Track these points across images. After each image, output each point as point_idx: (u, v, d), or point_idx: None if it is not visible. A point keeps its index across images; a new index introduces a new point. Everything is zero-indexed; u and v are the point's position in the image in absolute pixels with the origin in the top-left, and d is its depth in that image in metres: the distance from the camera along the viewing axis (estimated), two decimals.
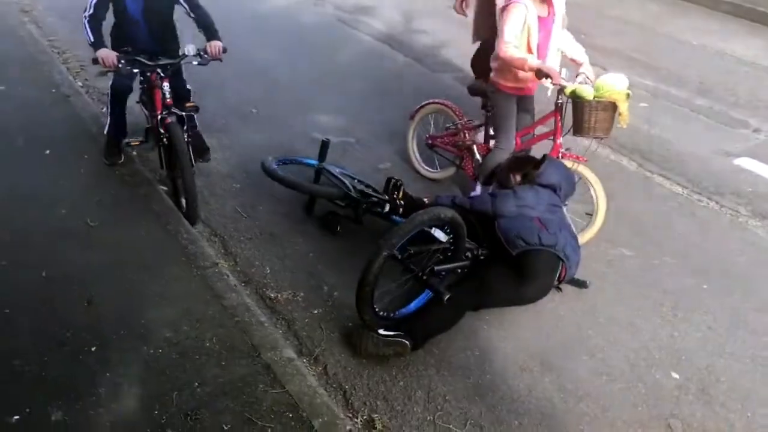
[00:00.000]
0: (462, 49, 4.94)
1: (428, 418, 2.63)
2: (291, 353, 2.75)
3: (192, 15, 3.64)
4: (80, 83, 5.23)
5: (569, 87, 3.28)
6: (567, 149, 3.60)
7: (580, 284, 3.29)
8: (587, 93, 3.21)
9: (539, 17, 3.36)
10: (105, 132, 4.02)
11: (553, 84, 3.32)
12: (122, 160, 4.02)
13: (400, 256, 2.95)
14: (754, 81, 5.88)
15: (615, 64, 6.12)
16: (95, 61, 3.36)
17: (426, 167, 4.35)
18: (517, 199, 3.27)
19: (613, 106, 3.24)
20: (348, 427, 2.44)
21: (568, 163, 3.49)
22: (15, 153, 4.04)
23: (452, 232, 3.00)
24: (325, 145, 3.73)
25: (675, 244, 3.69)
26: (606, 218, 3.65)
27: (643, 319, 3.15)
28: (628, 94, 3.25)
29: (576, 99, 3.27)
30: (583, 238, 3.53)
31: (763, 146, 4.79)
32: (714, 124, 5.09)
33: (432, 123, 4.33)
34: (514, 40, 3.31)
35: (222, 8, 6.87)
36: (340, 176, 3.62)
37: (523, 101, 3.71)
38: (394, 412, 2.64)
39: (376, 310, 2.87)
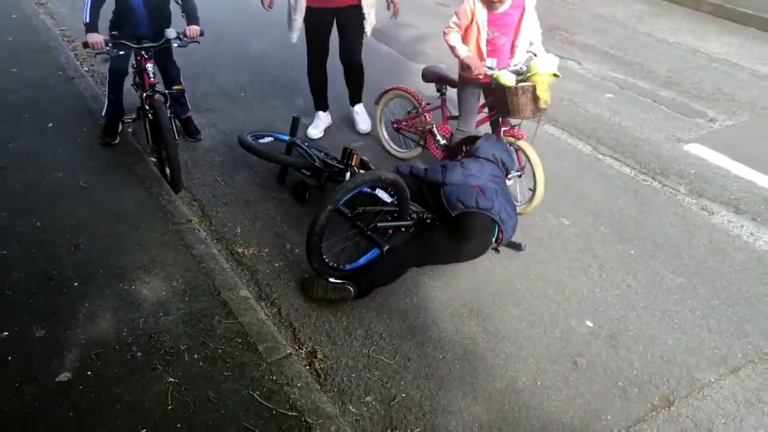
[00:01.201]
0: (440, 41, 5.28)
1: (364, 351, 3.00)
2: (247, 293, 3.14)
3: (179, 2, 4.04)
4: (86, 68, 5.68)
5: (495, 75, 3.58)
6: (512, 127, 3.91)
7: (517, 247, 3.65)
8: (507, 80, 3.50)
9: (491, 14, 3.57)
10: (103, 113, 4.43)
11: (473, 74, 3.62)
12: (117, 140, 4.40)
13: (349, 213, 3.34)
14: (721, 76, 6.17)
15: (590, 59, 6.47)
16: (85, 44, 3.78)
17: (395, 147, 4.72)
18: (464, 169, 3.65)
19: (532, 89, 3.50)
20: (288, 351, 2.82)
21: (511, 139, 3.84)
22: (22, 125, 4.49)
23: (396, 194, 3.38)
24: (296, 121, 4.12)
25: (613, 216, 4.03)
26: (552, 192, 4.01)
27: (570, 277, 3.50)
28: (555, 75, 3.54)
29: (501, 86, 3.58)
30: (528, 208, 3.88)
31: (715, 134, 5.09)
32: (673, 113, 5.40)
33: (398, 107, 4.70)
34: (456, 27, 3.65)
35: (224, 4, 7.37)
36: (308, 149, 4.00)
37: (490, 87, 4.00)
38: (334, 345, 3.02)
39: (326, 260, 3.25)
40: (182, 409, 2.49)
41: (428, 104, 4.39)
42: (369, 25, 4.38)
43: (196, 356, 2.74)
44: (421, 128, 4.39)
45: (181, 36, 3.93)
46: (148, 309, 2.97)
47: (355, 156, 3.69)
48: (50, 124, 4.52)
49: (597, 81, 5.97)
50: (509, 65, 3.68)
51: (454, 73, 4.03)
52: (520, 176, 3.89)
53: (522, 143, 3.80)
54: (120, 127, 4.40)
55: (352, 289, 3.19)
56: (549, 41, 6.74)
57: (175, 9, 4.12)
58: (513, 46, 3.69)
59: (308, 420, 2.50)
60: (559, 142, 4.91)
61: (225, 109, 5.18)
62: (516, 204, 3.77)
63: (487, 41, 3.62)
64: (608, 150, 4.79)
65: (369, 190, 3.33)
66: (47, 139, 4.34)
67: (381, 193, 3.40)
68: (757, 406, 2.79)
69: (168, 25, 4.10)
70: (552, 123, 5.14)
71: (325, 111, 4.84)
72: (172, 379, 2.62)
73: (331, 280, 3.22)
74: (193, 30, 3.95)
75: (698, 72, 6.24)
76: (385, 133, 4.73)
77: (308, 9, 4.22)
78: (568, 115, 5.27)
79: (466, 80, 3.80)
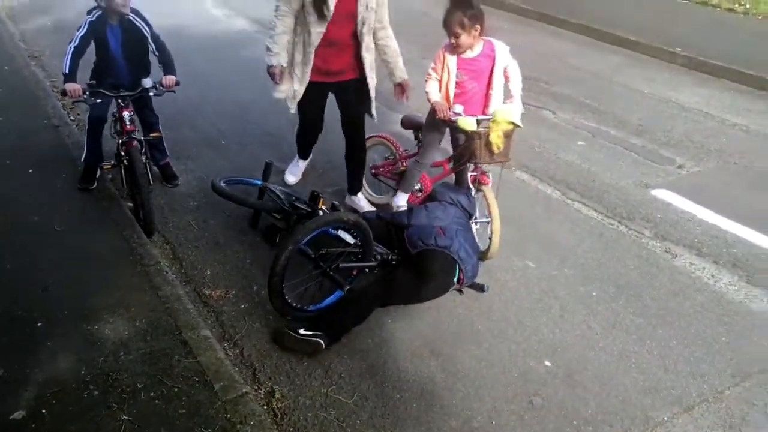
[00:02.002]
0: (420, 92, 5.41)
1: (322, 390, 3.03)
2: (208, 333, 3.19)
3: (156, 54, 4.23)
4: (72, 117, 5.84)
5: (457, 120, 3.71)
6: (483, 173, 4.01)
7: (480, 288, 3.70)
8: (466, 125, 3.66)
9: (461, 59, 3.75)
10: (82, 159, 4.55)
11: (438, 118, 3.76)
12: (95, 185, 4.52)
13: (313, 255, 3.42)
14: (691, 124, 6.35)
15: (565, 108, 6.66)
16: (63, 92, 3.93)
17: (372, 193, 4.83)
18: (428, 212, 3.77)
19: (486, 135, 3.63)
20: (244, 390, 2.85)
21: (477, 185, 3.95)
22: (2, 170, 4.61)
23: (359, 235, 3.46)
24: (268, 167, 4.24)
25: (577, 259, 4.10)
26: (520, 235, 4.11)
27: (531, 318, 3.55)
28: (514, 124, 3.68)
29: (461, 130, 3.73)
30: (485, 257, 3.93)
31: (682, 180, 5.22)
32: (642, 160, 5.55)
33: (377, 154, 4.82)
34: (434, 73, 3.83)
35: (215, 55, 7.63)
36: (279, 193, 4.11)
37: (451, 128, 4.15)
38: (293, 385, 3.06)
39: (289, 300, 3.31)
40: None
41: (405, 150, 4.52)
42: (372, 94, 4.15)
43: (152, 394, 2.78)
44: (397, 173, 4.51)
45: (157, 85, 4.09)
46: (109, 348, 3.02)
47: (321, 199, 3.79)
48: (30, 170, 4.64)
49: (570, 129, 6.15)
50: (486, 113, 3.83)
51: None
52: (487, 223, 3.95)
53: (486, 189, 3.90)
54: (98, 173, 4.52)
55: (323, 342, 3.19)
56: (526, 92, 6.95)
57: (154, 60, 4.30)
58: (487, 95, 3.85)
59: None
60: (529, 187, 5.03)
61: (205, 156, 5.31)
62: (479, 247, 3.85)
63: (457, 84, 3.79)
64: (577, 195, 4.91)
65: (332, 231, 3.42)
66: (26, 184, 4.45)
67: (344, 235, 3.49)
68: None
69: (146, 75, 4.27)
70: (524, 170, 5.27)
71: (305, 159, 4.91)
72: (126, 417, 2.65)
73: (302, 332, 3.22)
74: (169, 80, 4.11)
75: (669, 121, 6.43)
76: (363, 179, 4.85)
77: (309, 84, 4.01)
78: (539, 162, 5.41)
79: (434, 119, 3.95)
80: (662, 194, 4.96)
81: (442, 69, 3.83)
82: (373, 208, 4.57)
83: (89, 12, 4.06)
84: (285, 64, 3.95)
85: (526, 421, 2.90)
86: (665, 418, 2.93)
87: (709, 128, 6.28)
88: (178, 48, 5.26)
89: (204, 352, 3.03)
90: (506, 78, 3.91)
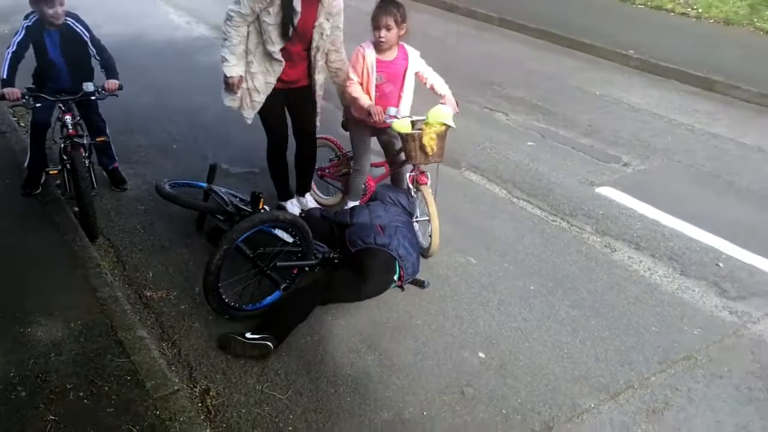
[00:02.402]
0: None
1: (257, 387, 3.06)
2: (143, 333, 3.20)
3: (97, 58, 4.24)
4: (23, 124, 5.80)
5: (392, 122, 3.78)
6: (421, 173, 4.08)
7: (420, 284, 3.77)
8: (401, 126, 3.73)
9: (380, 60, 3.85)
10: (25, 165, 4.54)
11: (373, 122, 3.84)
12: (39, 190, 4.50)
13: (251, 254, 3.45)
14: (639, 124, 6.50)
15: (517, 110, 6.77)
16: (2, 97, 3.91)
17: (320, 194, 4.87)
18: (370, 211, 3.83)
19: (420, 137, 3.71)
20: (175, 387, 2.87)
21: (415, 184, 4.01)
22: None
23: (297, 233, 3.50)
24: (213, 169, 4.26)
25: (518, 254, 4.19)
26: (463, 233, 4.18)
27: (469, 312, 3.62)
28: (446, 126, 3.76)
29: (397, 132, 3.80)
30: (427, 254, 4.01)
31: (626, 178, 5.35)
32: (590, 159, 5.67)
33: (323, 156, 4.86)
34: (356, 78, 3.89)
35: (172, 61, 7.63)
36: (223, 195, 4.13)
37: (381, 132, 4.23)
38: (229, 383, 3.08)
39: (225, 300, 3.34)
40: None
41: (349, 152, 4.57)
42: (318, 108, 4.23)
43: (81, 394, 2.78)
44: (341, 174, 4.56)
45: (99, 89, 4.09)
46: (41, 350, 3.01)
47: (262, 199, 3.82)
48: None
49: (521, 131, 6.25)
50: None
51: None
52: (428, 221, 4.02)
53: (424, 189, 3.96)
54: (43, 177, 4.50)
55: (271, 344, 3.21)
56: (481, 95, 7.12)
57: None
58: (399, 97, 3.93)
59: None
60: (477, 187, 5.11)
61: (155, 160, 5.31)
62: (420, 245, 3.92)
63: (376, 86, 3.85)
64: (522, 194, 5.00)
65: (270, 230, 3.45)
66: None
67: (283, 234, 3.53)
68: (631, 429, 2.89)
69: (90, 79, 4.27)
70: (473, 170, 5.36)
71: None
72: (52, 417, 2.65)
73: (248, 335, 3.22)
74: (111, 83, 4.12)
75: (619, 121, 6.57)
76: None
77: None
78: (488, 162, 5.50)
79: (354, 120, 4.00)
80: (606, 191, 5.08)
81: (363, 70, 3.89)
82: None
83: (26, 17, 4.06)
84: (243, 74, 3.92)
85: (457, 411, 2.96)
86: (592, 405, 3.01)
87: (657, 128, 6.43)
88: (135, 54, 5.28)
89: (138, 352, 3.04)
90: (423, 81, 3.99)
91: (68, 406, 2.71)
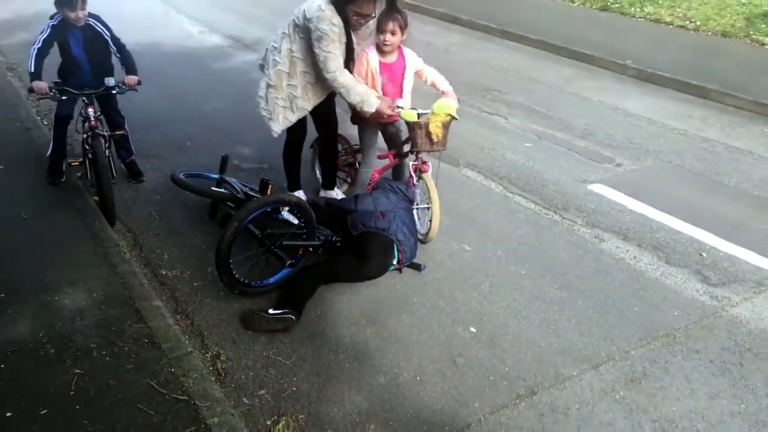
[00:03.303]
0: None
1: (264, 354, 3.31)
2: (159, 303, 3.47)
3: (118, 56, 4.55)
4: (46, 122, 6.12)
5: (400, 112, 4.08)
6: (424, 162, 4.34)
7: (417, 267, 4.02)
8: (409, 116, 4.02)
9: (382, 63, 4.16)
10: (48, 155, 4.84)
11: (384, 119, 4.13)
12: (63, 179, 4.80)
13: (259, 234, 3.72)
14: (634, 128, 6.76)
15: (516, 114, 7.04)
16: (30, 90, 4.22)
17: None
18: (373, 199, 4.08)
19: (426, 125, 3.99)
20: (189, 349, 3.12)
21: (417, 173, 4.28)
22: None
23: (301, 216, 3.77)
24: (224, 160, 4.55)
25: (511, 243, 4.43)
26: (459, 223, 4.43)
27: (462, 292, 3.86)
28: (451, 116, 4.04)
29: (405, 121, 4.09)
30: (426, 239, 4.26)
31: (619, 176, 5.60)
32: (584, 159, 5.92)
33: None
34: (362, 80, 4.17)
35: (187, 70, 7.96)
36: (234, 184, 4.41)
37: (388, 126, 4.51)
38: (238, 349, 3.33)
39: (236, 275, 3.59)
40: (83, 394, 2.78)
41: (356, 145, 4.85)
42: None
43: (103, 353, 3.04)
44: (348, 166, 4.84)
45: (119, 84, 4.39)
46: (66, 315, 3.28)
47: (270, 186, 4.09)
48: (2, 166, 4.91)
49: (519, 133, 6.52)
50: None
51: None
52: (428, 208, 4.28)
53: (426, 177, 4.23)
54: (65, 167, 4.79)
55: (293, 316, 3.46)
56: (481, 100, 7.40)
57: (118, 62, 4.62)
58: (400, 95, 4.24)
59: (197, 403, 2.79)
60: (474, 183, 5.37)
61: (171, 156, 5.60)
62: (418, 230, 4.18)
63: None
64: (517, 189, 5.25)
65: (278, 213, 3.72)
66: None
67: (290, 217, 3.79)
68: (610, 394, 3.12)
69: (110, 75, 4.57)
70: (471, 167, 5.62)
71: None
72: (78, 371, 2.91)
73: (271, 311, 3.46)
74: (131, 79, 4.42)
75: (614, 125, 6.83)
76: (318, 173, 5.17)
77: None
78: (486, 161, 5.76)
79: (364, 120, 4.28)
80: (598, 188, 5.32)
81: (366, 72, 4.19)
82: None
83: (51, 17, 4.38)
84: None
85: (448, 377, 3.19)
86: (574, 374, 3.24)
87: (650, 132, 6.69)
88: (151, 63, 5.52)
89: (154, 319, 3.30)
90: (423, 79, 4.31)
91: (92, 362, 2.97)
